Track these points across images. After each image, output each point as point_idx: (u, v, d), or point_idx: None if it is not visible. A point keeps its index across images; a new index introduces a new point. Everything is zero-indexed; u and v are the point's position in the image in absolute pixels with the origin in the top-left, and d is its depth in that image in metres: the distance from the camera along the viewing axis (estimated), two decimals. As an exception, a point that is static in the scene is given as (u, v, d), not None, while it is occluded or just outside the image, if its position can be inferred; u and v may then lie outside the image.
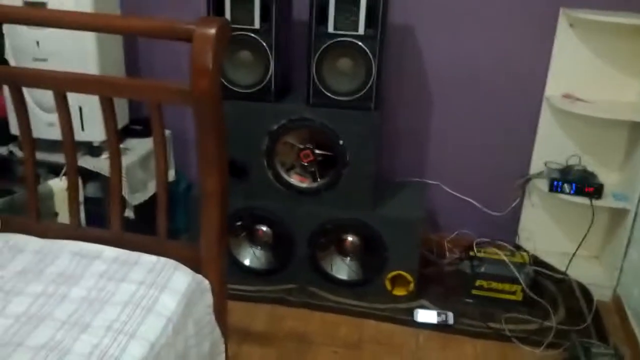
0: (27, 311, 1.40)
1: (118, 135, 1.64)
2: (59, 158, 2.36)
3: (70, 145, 1.65)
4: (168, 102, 1.50)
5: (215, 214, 1.57)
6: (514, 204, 2.78)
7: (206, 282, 1.62)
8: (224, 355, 1.72)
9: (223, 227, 1.61)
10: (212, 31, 1.36)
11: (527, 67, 2.58)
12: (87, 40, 2.26)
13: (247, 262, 2.62)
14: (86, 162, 2.40)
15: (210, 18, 1.40)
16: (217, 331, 1.68)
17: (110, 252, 1.63)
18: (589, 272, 2.68)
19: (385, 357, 2.24)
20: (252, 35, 2.25)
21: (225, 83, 2.32)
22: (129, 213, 2.49)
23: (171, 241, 1.72)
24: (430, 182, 2.81)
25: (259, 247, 2.63)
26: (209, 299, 1.63)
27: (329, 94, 2.28)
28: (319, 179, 2.45)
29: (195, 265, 1.63)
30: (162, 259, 1.61)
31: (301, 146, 2.41)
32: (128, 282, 1.52)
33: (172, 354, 1.42)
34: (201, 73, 1.38)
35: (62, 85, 1.55)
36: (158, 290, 1.50)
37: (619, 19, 2.31)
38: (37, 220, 1.76)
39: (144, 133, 2.63)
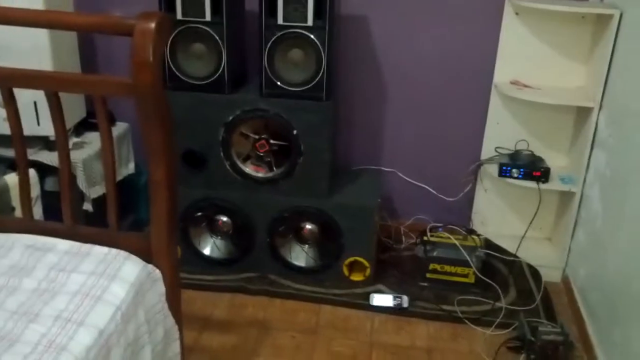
0: (-23, 303, 1.43)
1: (66, 129, 1.67)
2: (13, 153, 2.37)
3: (19, 140, 1.67)
4: (111, 95, 1.54)
5: (164, 203, 1.61)
6: (466, 189, 2.86)
7: (157, 272, 1.66)
8: (178, 342, 1.77)
9: (172, 216, 1.65)
10: (152, 25, 1.40)
11: (477, 56, 2.66)
12: (40, 36, 2.27)
13: (207, 251, 2.66)
14: (43, 156, 2.42)
15: (150, 12, 1.43)
16: (170, 319, 1.72)
17: (63, 244, 1.66)
18: (540, 254, 2.77)
19: (341, 340, 2.31)
20: (204, 27, 2.28)
21: (180, 75, 2.36)
22: (87, 206, 2.51)
23: (123, 233, 1.76)
24: (386, 169, 2.88)
25: (219, 237, 2.67)
26: (160, 287, 1.67)
27: (281, 85, 2.33)
28: (275, 169, 2.50)
29: (147, 255, 1.67)
30: (114, 250, 1.65)
31: (256, 136, 2.46)
32: (78, 272, 1.55)
33: (122, 340, 1.46)
34: (142, 66, 1.41)
35: (8, 81, 1.57)
36: (108, 280, 1.53)
37: (562, 7, 2.38)
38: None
39: (101, 126, 2.65)
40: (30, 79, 1.55)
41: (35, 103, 2.31)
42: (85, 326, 1.39)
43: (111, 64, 2.87)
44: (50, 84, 1.53)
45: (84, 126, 2.65)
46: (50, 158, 2.41)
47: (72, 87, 1.57)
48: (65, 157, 1.67)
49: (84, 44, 2.67)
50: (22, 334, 1.34)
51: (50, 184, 2.51)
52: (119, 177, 2.65)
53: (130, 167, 2.80)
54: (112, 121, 2.65)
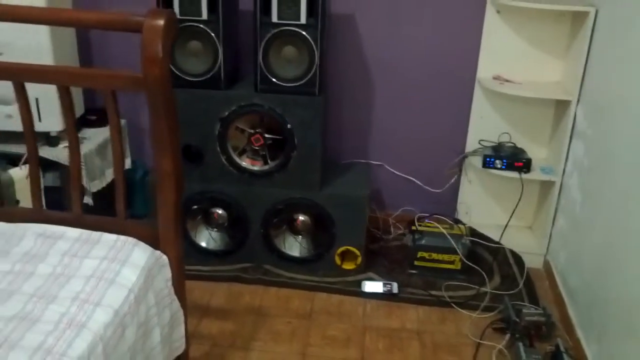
0: (-4, 287, 1.50)
1: (75, 121, 1.75)
2: (16, 149, 2.45)
3: (30, 131, 1.74)
4: (122, 89, 1.62)
5: (170, 193, 1.69)
6: (452, 181, 2.98)
7: (164, 257, 1.75)
8: (183, 325, 1.86)
9: (178, 205, 1.73)
10: (161, 22, 1.48)
11: (460, 52, 2.78)
12: (41, 33, 2.34)
13: (204, 243, 2.75)
14: (44, 152, 2.48)
15: (159, 10, 1.51)
16: (176, 303, 1.81)
17: (72, 232, 1.74)
18: (522, 241, 2.90)
19: (335, 325, 2.41)
20: (201, 25, 2.37)
21: (177, 72, 2.44)
22: (88, 200, 2.58)
23: (130, 221, 1.84)
24: (374, 162, 2.99)
25: (215, 229, 2.76)
26: (167, 272, 1.76)
27: (275, 81, 2.42)
28: (269, 162, 2.59)
29: (153, 242, 1.75)
30: (122, 237, 1.73)
31: (252, 131, 2.55)
32: (91, 258, 1.64)
33: (135, 321, 1.55)
34: (152, 61, 1.50)
35: (20, 75, 1.65)
36: (119, 265, 1.62)
37: (541, 5, 2.50)
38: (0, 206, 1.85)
39: (100, 123, 2.73)
40: (43, 73, 1.63)
41: (37, 100, 2.38)
42: (102, 306, 1.47)
43: (106, 60, 2.93)
44: (62, 79, 1.61)
45: (82, 123, 2.72)
46: (51, 153, 2.48)
47: (84, 81, 1.65)
48: (75, 147, 1.75)
49: (80, 42, 2.74)
50: (43, 314, 1.43)
51: (50, 179, 2.58)
52: (116, 172, 2.72)
53: (127, 163, 2.87)
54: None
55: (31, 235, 1.72)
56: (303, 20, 2.32)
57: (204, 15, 2.35)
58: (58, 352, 1.31)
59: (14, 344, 1.32)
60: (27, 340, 1.34)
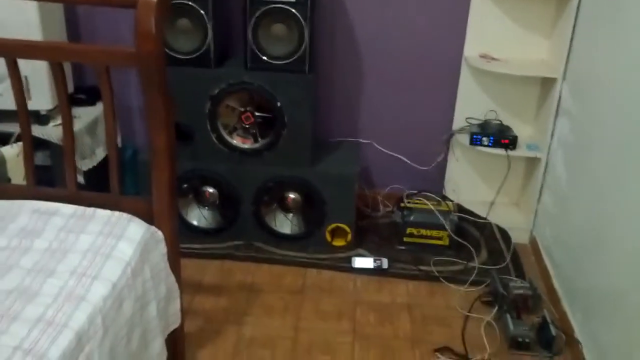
0: (-7, 262, 1.52)
1: (68, 97, 1.75)
2: (5, 127, 2.44)
3: (23, 110, 1.75)
4: (116, 65, 1.63)
5: (165, 169, 1.71)
6: (439, 159, 3.01)
7: (159, 233, 1.77)
8: (179, 300, 1.88)
9: (173, 181, 1.75)
10: (154, -1, 1.50)
11: (448, 30, 2.79)
12: (30, 9, 2.32)
13: (195, 222, 2.77)
14: (35, 130, 2.46)
15: (153, -14, 1.52)
16: (172, 277, 1.83)
17: (67, 208, 1.75)
18: (509, 218, 2.95)
19: (326, 299, 2.45)
20: (190, 3, 2.37)
21: (167, 50, 2.43)
22: (79, 179, 2.58)
23: (125, 197, 1.86)
24: (363, 141, 3.01)
25: (207, 207, 2.78)
26: (162, 247, 1.78)
27: (265, 59, 2.43)
28: (260, 140, 2.61)
29: (148, 218, 1.77)
30: (117, 213, 1.75)
31: (242, 109, 2.56)
32: (86, 233, 1.65)
33: (132, 294, 1.58)
34: (145, 37, 1.51)
35: (13, 52, 1.65)
36: (115, 239, 1.64)
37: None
38: (-7, 183, 1.86)
39: (89, 101, 2.72)
40: (37, 49, 1.63)
41: (26, 78, 2.36)
42: (100, 280, 1.50)
43: (93, 37, 2.91)
44: (56, 55, 1.62)
45: (71, 101, 2.70)
46: (41, 132, 2.48)
47: (77, 57, 1.66)
48: (68, 122, 1.75)
49: (68, 18, 2.72)
50: (41, 288, 1.44)
51: (40, 158, 2.57)
52: (106, 152, 2.73)
53: (118, 142, 2.86)
54: (99, 97, 2.71)
55: (27, 211, 1.73)
56: (293, -2, 2.33)
57: (194, -7, 2.35)
58: (59, 324, 1.33)
59: (15, 316, 1.34)
60: (27, 313, 1.36)
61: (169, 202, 1.76)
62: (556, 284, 2.49)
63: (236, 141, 2.62)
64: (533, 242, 2.85)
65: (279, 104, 2.50)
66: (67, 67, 2.56)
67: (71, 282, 1.47)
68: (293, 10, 2.34)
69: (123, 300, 1.53)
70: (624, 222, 1.94)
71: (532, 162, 2.86)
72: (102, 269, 1.53)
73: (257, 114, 2.56)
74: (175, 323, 1.89)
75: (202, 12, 2.38)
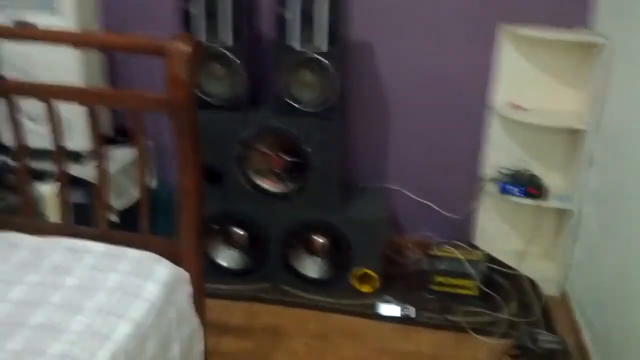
0: (26, 297, 1.57)
1: (102, 140, 1.83)
2: (43, 165, 2.53)
3: (59, 149, 1.82)
4: (147, 109, 1.69)
5: (192, 210, 1.76)
6: (470, 207, 3.00)
7: (186, 274, 1.81)
8: (203, 342, 1.90)
9: (199, 222, 1.80)
10: (189, 48, 1.57)
11: (477, 79, 2.82)
12: (72, 55, 2.44)
13: (224, 263, 2.80)
14: (74, 170, 2.56)
15: (185, 35, 1.60)
16: (196, 319, 1.86)
17: (99, 247, 1.81)
18: (540, 269, 2.90)
19: (350, 346, 2.44)
20: (224, 51, 2.45)
21: (200, 94, 2.52)
22: (114, 218, 2.66)
23: (154, 237, 1.90)
24: (391, 187, 3.03)
25: (235, 249, 2.81)
26: (188, 289, 1.81)
27: (295, 105, 2.49)
28: (288, 184, 2.65)
29: (176, 259, 1.81)
30: (146, 253, 1.79)
31: (271, 153, 2.62)
32: (116, 272, 1.70)
33: (156, 334, 1.60)
34: (176, 83, 1.58)
35: (49, 94, 1.73)
36: (143, 279, 1.68)
37: (555, 34, 2.55)
38: (32, 220, 1.93)
39: (125, 143, 2.82)
40: (72, 93, 1.71)
41: (68, 119, 2.46)
42: (125, 319, 1.53)
43: (130, 80, 3.03)
44: (91, 99, 1.69)
45: (110, 142, 2.81)
46: (80, 171, 2.56)
47: (111, 102, 1.74)
48: (102, 164, 1.82)
49: (107, 62, 2.85)
50: (69, 325, 1.48)
51: (78, 196, 2.65)
52: (140, 192, 2.80)
53: (152, 183, 2.95)
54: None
55: (60, 249, 1.79)
56: (324, 48, 2.39)
57: (228, 41, 2.44)
58: (82, 361, 1.36)
59: (41, 352, 1.38)
60: (53, 349, 1.39)
61: (195, 243, 1.80)
62: (586, 339, 2.43)
63: (265, 184, 2.66)
64: (564, 296, 2.79)
65: (307, 149, 2.54)
66: (106, 110, 2.68)
67: (97, 321, 1.50)
68: (324, 61, 2.41)
69: (147, 340, 1.56)
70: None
71: (563, 214, 2.82)
72: (128, 308, 1.57)
73: (286, 158, 2.60)
74: (198, 365, 1.90)
75: (235, 59, 2.46)
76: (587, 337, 2.44)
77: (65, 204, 1.91)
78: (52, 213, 2.23)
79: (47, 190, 2.24)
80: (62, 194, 1.90)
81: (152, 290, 1.65)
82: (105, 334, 1.46)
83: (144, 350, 1.54)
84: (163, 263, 1.76)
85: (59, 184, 1.92)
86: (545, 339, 2.37)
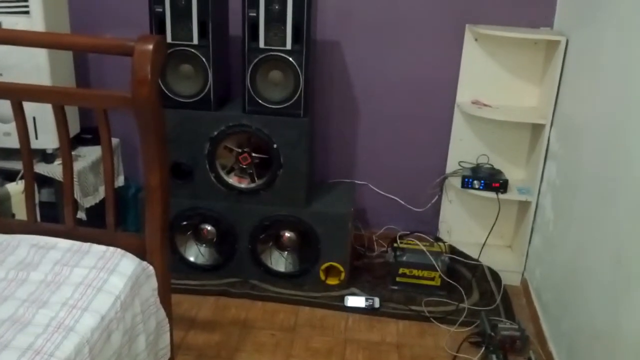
0: (-9, 293, 1.60)
1: (69, 138, 1.86)
2: (13, 165, 2.56)
3: (26, 148, 1.85)
4: (112, 108, 1.73)
5: (157, 206, 1.80)
6: (433, 200, 3.09)
7: (151, 268, 1.84)
8: (168, 334, 1.95)
9: (165, 218, 1.84)
10: (150, 47, 1.61)
11: (441, 77, 2.91)
12: (40, 54, 2.47)
13: (192, 258, 2.84)
14: (40, 168, 2.59)
15: (148, 35, 1.64)
16: (162, 312, 1.90)
17: (64, 243, 1.84)
18: (501, 259, 3.00)
19: (317, 338, 2.50)
20: (192, 50, 2.50)
21: (169, 93, 2.56)
22: (81, 215, 2.69)
23: (119, 233, 1.94)
24: (359, 182, 3.10)
25: (204, 245, 2.85)
26: (153, 282, 1.85)
27: (262, 103, 2.55)
28: (256, 180, 2.70)
29: (141, 254, 1.85)
30: (111, 248, 1.83)
31: (239, 150, 2.66)
32: (80, 267, 1.73)
33: (121, 326, 1.64)
34: (141, 82, 1.62)
35: (18, 95, 1.77)
36: (107, 273, 1.71)
37: (517, 34, 2.64)
38: (-4, 218, 1.96)
39: (94, 141, 2.84)
40: (39, 93, 1.74)
41: (34, 118, 2.49)
42: (89, 312, 1.57)
43: (101, 80, 3.05)
44: (58, 98, 1.73)
45: (77, 141, 2.84)
46: (46, 170, 2.59)
47: (77, 100, 1.77)
48: (68, 162, 1.86)
49: (78, 63, 2.87)
50: (34, 318, 1.52)
51: (46, 195, 2.68)
52: (110, 189, 2.84)
53: (120, 180, 2.98)
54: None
55: (25, 245, 1.82)
56: (289, 46, 2.44)
57: (195, 40, 2.48)
58: (46, 353, 1.40)
59: (6, 344, 1.41)
60: (17, 342, 1.43)
61: (160, 238, 1.84)
62: (544, 326, 2.52)
63: (234, 181, 2.71)
64: (524, 284, 2.89)
65: (275, 145, 2.60)
66: (74, 109, 2.71)
67: (62, 314, 1.54)
68: (289, 58, 2.46)
69: (111, 332, 1.60)
70: (604, 264, 1.99)
71: (523, 205, 2.91)
72: (93, 301, 1.60)
73: (254, 155, 2.66)
74: (164, 357, 1.94)
75: (203, 58, 2.50)
76: (544, 323, 2.53)
77: (30, 202, 1.94)
78: (19, 211, 2.25)
79: (13, 189, 2.26)
80: (28, 192, 1.93)
81: (116, 283, 1.69)
82: (69, 326, 1.50)
83: (109, 342, 1.58)
84: (128, 257, 1.80)
85: (24, 182, 1.95)
86: (505, 326, 2.45)
